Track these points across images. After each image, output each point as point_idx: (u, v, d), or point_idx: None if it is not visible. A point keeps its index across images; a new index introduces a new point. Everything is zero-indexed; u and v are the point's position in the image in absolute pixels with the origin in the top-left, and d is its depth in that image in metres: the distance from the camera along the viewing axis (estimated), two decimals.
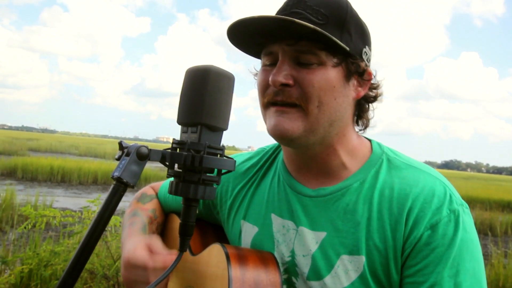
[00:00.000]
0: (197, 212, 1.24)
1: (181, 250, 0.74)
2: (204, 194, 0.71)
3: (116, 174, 0.64)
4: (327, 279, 0.97)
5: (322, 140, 0.98)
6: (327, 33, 0.87)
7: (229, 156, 0.76)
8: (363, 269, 0.94)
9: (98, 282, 4.62)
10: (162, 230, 1.35)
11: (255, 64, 1.07)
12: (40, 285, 4.57)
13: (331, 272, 0.97)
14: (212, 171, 0.72)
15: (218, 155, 0.72)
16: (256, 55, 1.03)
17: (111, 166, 19.98)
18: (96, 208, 5.06)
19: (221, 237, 1.24)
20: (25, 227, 4.35)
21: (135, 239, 1.14)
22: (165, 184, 1.38)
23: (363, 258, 0.94)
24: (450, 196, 0.93)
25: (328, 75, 0.93)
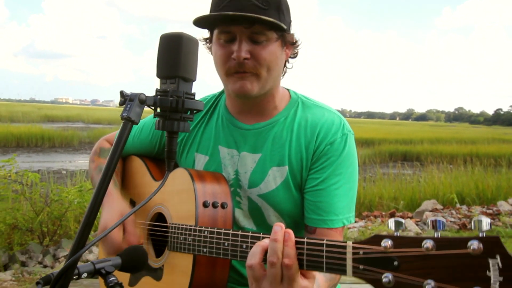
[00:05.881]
0: (155, 151, 1.38)
1: (168, 169, 0.91)
2: (184, 127, 0.89)
3: (125, 114, 0.78)
4: (261, 185, 1.28)
5: (266, 92, 1.26)
6: (279, 22, 1.13)
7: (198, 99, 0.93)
8: (286, 175, 1.26)
9: (22, 235, 4.41)
10: (122, 172, 1.49)
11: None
12: None
13: (264, 180, 1.27)
14: (187, 111, 0.89)
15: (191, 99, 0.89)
16: (208, 28, 1.24)
17: (9, 128, 17.87)
18: (11, 167, 4.71)
19: (175, 168, 1.42)
20: None
21: (113, 205, 1.30)
22: None
23: (286, 168, 1.26)
24: (343, 125, 1.28)
25: (273, 48, 1.19)
